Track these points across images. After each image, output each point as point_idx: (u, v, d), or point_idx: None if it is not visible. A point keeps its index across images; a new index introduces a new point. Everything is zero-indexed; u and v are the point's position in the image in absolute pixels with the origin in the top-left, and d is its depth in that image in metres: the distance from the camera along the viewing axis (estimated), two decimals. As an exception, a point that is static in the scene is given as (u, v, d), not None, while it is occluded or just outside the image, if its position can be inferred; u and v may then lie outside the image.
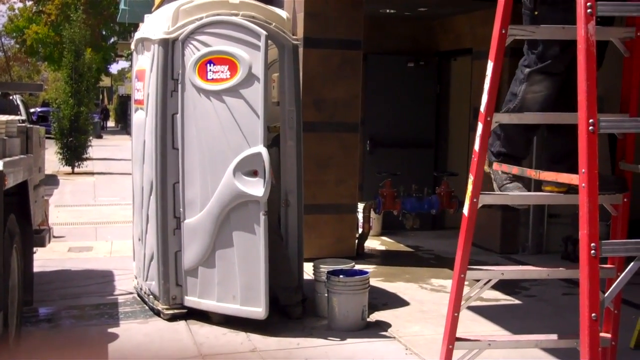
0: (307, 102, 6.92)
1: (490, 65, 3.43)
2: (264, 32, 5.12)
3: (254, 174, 5.07)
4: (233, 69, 5.14)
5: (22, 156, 4.76)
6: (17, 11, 40.46)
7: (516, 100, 3.81)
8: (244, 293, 5.16)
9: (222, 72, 5.17)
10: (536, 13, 3.67)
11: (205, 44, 5.23)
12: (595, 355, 2.88)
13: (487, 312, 5.68)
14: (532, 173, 3.50)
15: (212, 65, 5.20)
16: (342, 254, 6.92)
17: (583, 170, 2.93)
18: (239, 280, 5.17)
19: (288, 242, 5.77)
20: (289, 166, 5.77)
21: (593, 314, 2.88)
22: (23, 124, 5.30)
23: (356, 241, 7.86)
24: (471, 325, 5.29)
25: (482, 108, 3.47)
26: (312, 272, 5.77)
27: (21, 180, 4.49)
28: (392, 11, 9.10)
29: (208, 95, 5.23)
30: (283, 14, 5.86)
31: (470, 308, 5.36)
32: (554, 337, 3.87)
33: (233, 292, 5.21)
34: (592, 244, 2.89)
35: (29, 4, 38.88)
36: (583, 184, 2.93)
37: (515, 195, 3.70)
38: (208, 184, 5.23)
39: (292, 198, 5.77)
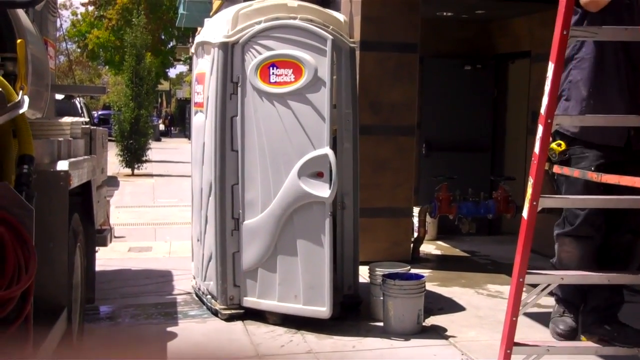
0: (363, 105, 6.93)
1: (551, 67, 3.40)
2: (330, 37, 5.18)
3: (318, 175, 5.12)
4: (298, 72, 5.20)
5: (85, 157, 4.88)
6: (79, 16, 41.52)
7: (555, 258, 3.95)
8: (307, 293, 5.21)
9: (286, 75, 5.23)
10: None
11: (268, 48, 5.30)
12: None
13: (544, 319, 5.57)
14: (593, 176, 3.44)
15: (275, 68, 5.26)
16: (397, 257, 6.89)
17: (647, 173, 2.88)
18: (301, 280, 5.22)
19: (344, 245, 5.78)
20: (345, 169, 5.78)
21: (657, 321, 2.82)
22: (86, 126, 5.43)
23: (411, 245, 7.83)
24: (528, 331, 5.22)
25: (543, 110, 3.43)
26: (368, 275, 5.77)
27: (85, 180, 4.59)
28: (449, 14, 9.05)
29: (270, 98, 5.30)
30: (340, 17, 5.89)
31: (527, 314, 5.28)
32: (615, 344, 3.80)
33: (295, 292, 5.25)
34: (657, 249, 2.84)
35: (90, 9, 39.85)
36: (647, 188, 2.88)
37: (577, 199, 3.65)
38: (270, 185, 5.30)
39: (348, 201, 5.78)
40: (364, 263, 6.06)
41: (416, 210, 7.99)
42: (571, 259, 4.00)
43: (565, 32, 3.35)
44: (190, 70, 25.17)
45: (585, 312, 4.30)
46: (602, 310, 4.21)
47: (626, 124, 3.58)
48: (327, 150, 5.13)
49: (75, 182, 4.14)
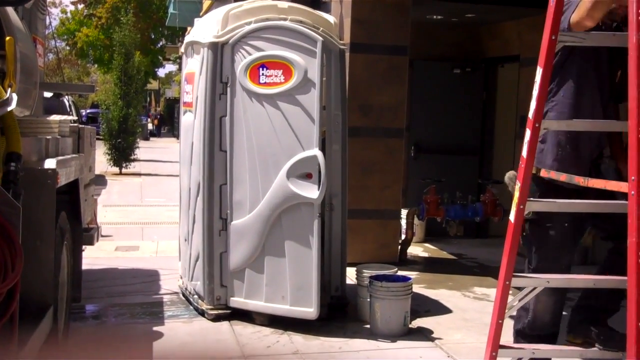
0: (352, 107, 6.95)
1: (539, 72, 3.42)
2: (320, 38, 5.19)
3: (307, 176, 5.13)
4: (287, 73, 5.21)
5: (73, 155, 4.85)
6: (68, 14, 41.34)
7: (529, 315, 4.03)
8: (295, 293, 5.22)
9: (276, 76, 5.24)
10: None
11: (258, 49, 5.30)
12: (642, 367, 2.84)
13: (531, 322, 5.61)
14: (580, 180, 3.47)
15: (265, 69, 5.27)
16: (384, 259, 6.91)
17: (633, 177, 2.90)
18: (289, 281, 5.23)
19: (331, 246, 5.78)
20: (333, 170, 5.79)
21: (641, 325, 2.84)
22: (75, 124, 5.41)
23: (399, 247, 7.85)
24: (514, 334, 5.25)
25: (531, 114, 3.45)
26: (355, 276, 5.78)
27: (73, 178, 4.57)
28: (439, 17, 9.08)
29: (260, 99, 5.30)
30: (330, 18, 5.90)
31: (513, 317, 5.31)
32: (599, 347, 3.82)
33: (282, 293, 5.26)
34: (641, 253, 2.86)
35: (80, 7, 39.69)
36: (632, 192, 2.90)
37: (563, 202, 3.67)
38: (258, 186, 5.30)
39: (336, 202, 5.79)
40: (352, 264, 6.07)
41: (404, 213, 8.01)
42: (547, 309, 4.05)
43: (553, 37, 3.37)
44: (179, 69, 25.15)
45: (576, 308, 4.28)
46: (594, 311, 4.19)
47: (611, 129, 3.61)
48: (316, 152, 5.14)
49: (62, 180, 4.12)
